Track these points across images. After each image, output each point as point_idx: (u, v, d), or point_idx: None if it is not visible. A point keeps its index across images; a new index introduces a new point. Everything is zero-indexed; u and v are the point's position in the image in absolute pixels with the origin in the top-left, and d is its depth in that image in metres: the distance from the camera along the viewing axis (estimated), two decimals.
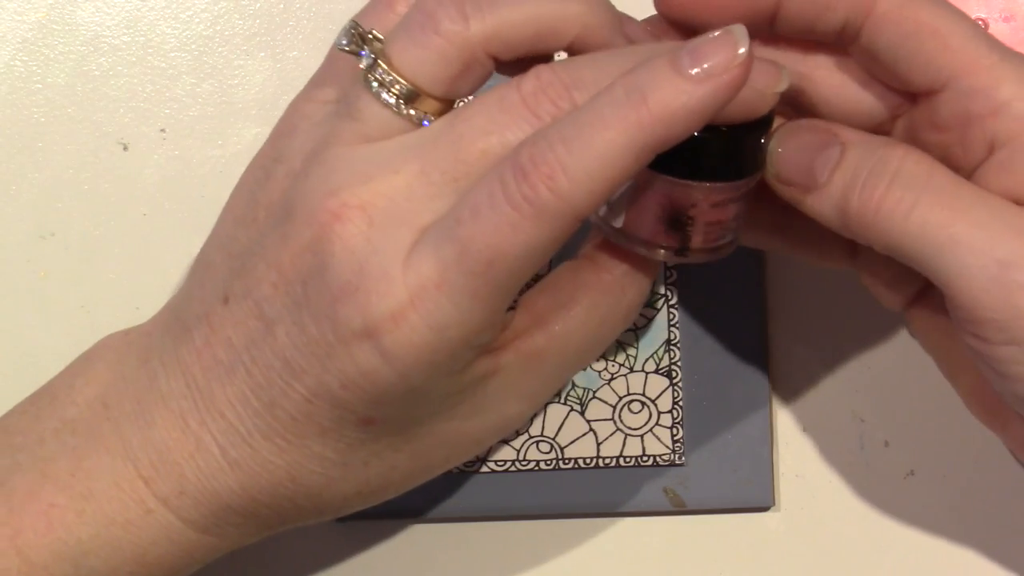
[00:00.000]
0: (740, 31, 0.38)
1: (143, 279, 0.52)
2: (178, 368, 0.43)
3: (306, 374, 0.41)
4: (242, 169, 0.45)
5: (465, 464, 0.51)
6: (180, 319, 0.44)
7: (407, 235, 0.40)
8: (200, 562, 0.45)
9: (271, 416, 0.42)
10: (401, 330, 0.40)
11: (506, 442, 0.51)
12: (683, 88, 0.38)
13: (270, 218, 0.42)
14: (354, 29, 0.42)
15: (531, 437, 0.51)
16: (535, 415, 0.51)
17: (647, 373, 0.51)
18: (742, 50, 0.38)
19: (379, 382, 0.40)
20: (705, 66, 0.38)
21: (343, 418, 0.42)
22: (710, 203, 0.42)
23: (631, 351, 0.51)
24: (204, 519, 0.44)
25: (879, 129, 0.44)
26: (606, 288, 0.44)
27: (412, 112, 0.41)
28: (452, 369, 0.41)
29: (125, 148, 0.52)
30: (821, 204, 0.42)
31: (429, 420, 0.43)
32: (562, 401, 0.51)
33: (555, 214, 0.39)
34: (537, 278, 0.44)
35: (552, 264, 0.44)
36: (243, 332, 0.42)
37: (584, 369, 0.51)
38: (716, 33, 0.39)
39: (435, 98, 0.41)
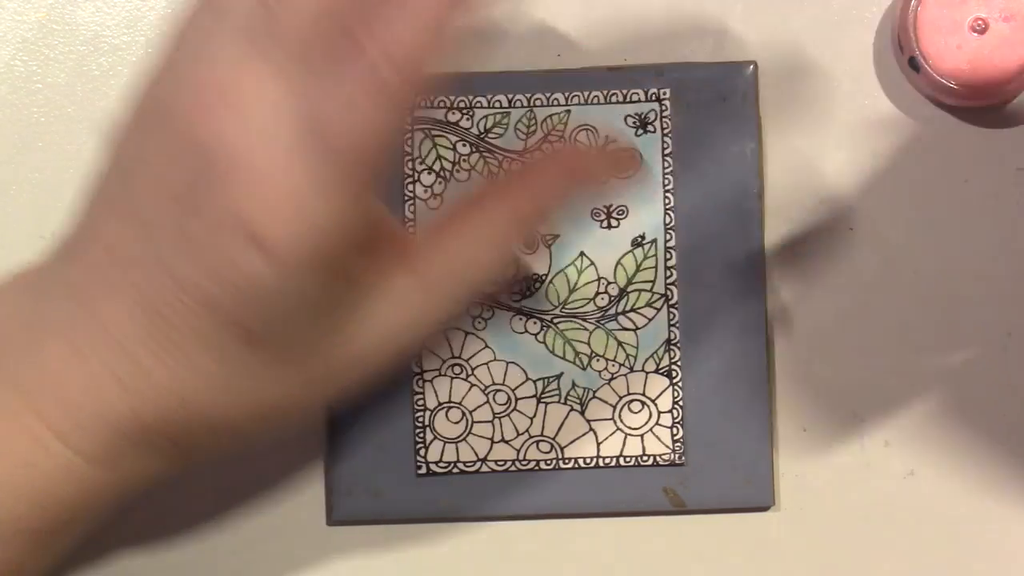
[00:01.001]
0: None
1: None
2: (67, 291, 0.43)
3: (188, 280, 0.41)
4: None
5: (465, 464, 0.51)
6: (69, 244, 0.44)
7: (279, 126, 0.40)
8: (104, 504, 0.44)
9: (157, 331, 0.42)
10: (275, 223, 0.40)
11: (507, 442, 0.51)
12: None
13: (153, 125, 0.42)
14: None
15: (531, 437, 0.51)
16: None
17: (647, 373, 0.51)
18: None
19: (257, 281, 0.41)
20: None
21: (225, 327, 0.42)
22: None
23: (631, 351, 0.51)
24: (99, 450, 0.43)
25: None
26: (495, 217, 0.45)
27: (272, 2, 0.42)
28: (330, 268, 0.41)
29: None
30: None
31: (316, 336, 0.43)
32: (562, 401, 0.51)
33: (398, 93, 0.40)
34: None
35: None
36: (128, 245, 0.42)
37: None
38: None
39: None
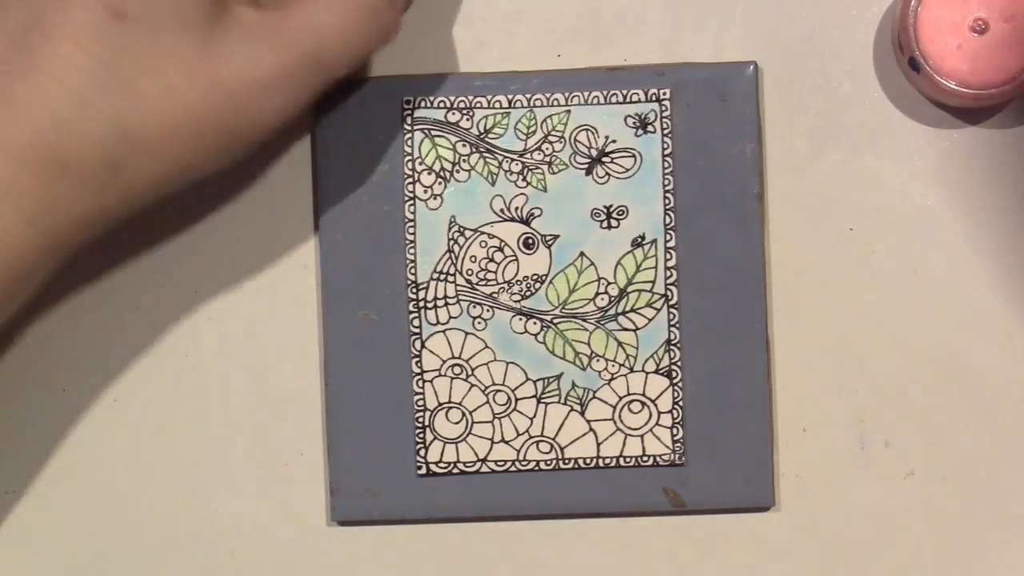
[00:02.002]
0: None
1: (142, 276, 0.52)
2: None
3: None
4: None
5: (465, 464, 0.51)
6: None
7: None
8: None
9: (29, 49, 0.43)
10: None
11: (507, 443, 0.51)
12: None
13: None
14: None
15: (531, 437, 0.51)
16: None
17: (647, 373, 0.51)
18: None
19: None
20: None
21: (94, 9, 0.43)
22: None
23: (631, 351, 0.51)
24: None
25: None
26: None
27: None
28: None
29: None
30: None
31: (177, 44, 0.44)
32: (562, 401, 0.51)
33: None
34: None
35: None
36: None
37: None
38: None
39: None
